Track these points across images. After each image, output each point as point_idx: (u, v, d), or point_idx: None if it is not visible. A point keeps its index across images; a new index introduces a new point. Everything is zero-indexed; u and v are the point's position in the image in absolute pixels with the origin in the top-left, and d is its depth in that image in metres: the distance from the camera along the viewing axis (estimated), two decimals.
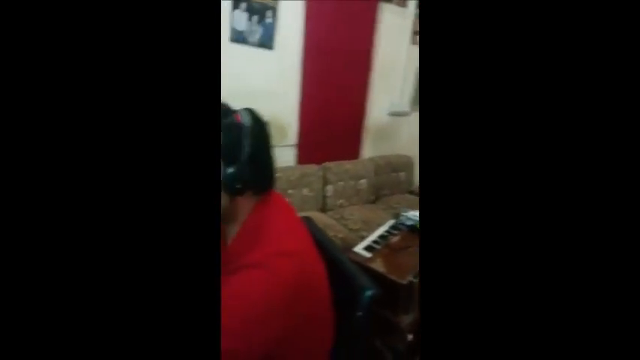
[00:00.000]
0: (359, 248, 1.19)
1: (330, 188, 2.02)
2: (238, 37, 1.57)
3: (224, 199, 0.55)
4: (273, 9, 1.64)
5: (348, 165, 2.12)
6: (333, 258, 0.73)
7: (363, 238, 1.31)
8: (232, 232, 0.60)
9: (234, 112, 0.55)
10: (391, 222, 1.45)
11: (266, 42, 1.67)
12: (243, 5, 1.54)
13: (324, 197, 2.01)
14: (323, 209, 2.01)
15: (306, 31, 1.80)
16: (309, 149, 2.02)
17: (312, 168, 1.94)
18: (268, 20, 1.64)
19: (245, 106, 0.57)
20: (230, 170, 0.53)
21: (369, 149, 2.40)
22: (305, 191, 1.90)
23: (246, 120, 0.54)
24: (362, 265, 1.06)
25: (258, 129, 0.55)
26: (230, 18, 1.52)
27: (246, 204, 0.58)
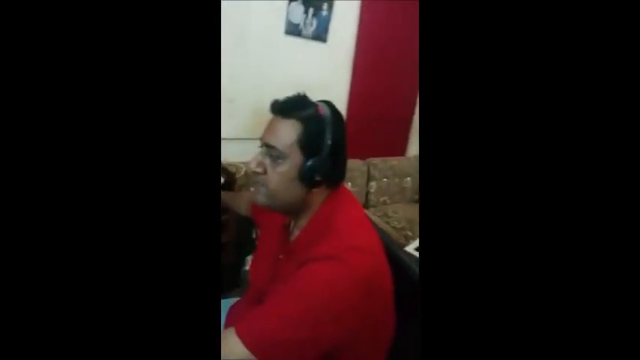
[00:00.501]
0: (410, 248, 1.17)
1: (373, 184, 1.99)
2: (293, 30, 1.58)
3: (299, 190, 0.55)
4: (330, 1, 1.63)
5: (393, 162, 2.08)
6: (394, 256, 0.71)
7: (407, 237, 1.28)
8: (301, 224, 0.61)
9: (316, 104, 0.55)
10: None
11: (320, 34, 1.66)
12: None
13: (367, 193, 1.99)
14: (366, 205, 1.99)
15: (360, 25, 1.77)
16: (355, 144, 1.98)
17: (356, 163, 1.92)
18: (324, 13, 1.63)
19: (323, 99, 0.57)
20: (310, 162, 0.53)
21: (415, 147, 2.34)
22: (348, 186, 1.89)
23: (327, 112, 0.54)
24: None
25: (338, 122, 0.55)
26: (286, 10, 1.53)
27: (319, 196, 0.58)
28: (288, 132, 0.53)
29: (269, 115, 0.57)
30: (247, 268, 1.27)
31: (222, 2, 1.32)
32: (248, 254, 1.31)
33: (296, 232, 0.62)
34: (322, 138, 0.53)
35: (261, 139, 0.57)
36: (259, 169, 0.56)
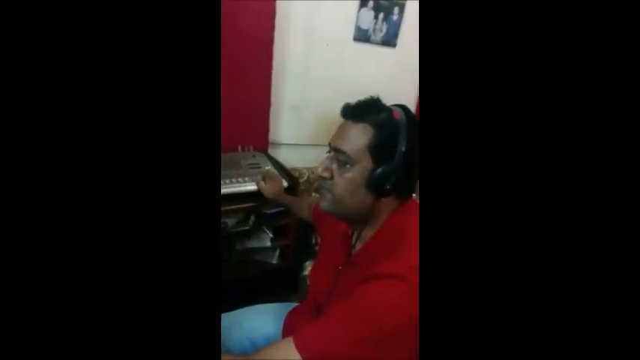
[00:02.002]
0: None
1: None
2: (362, 36, 1.56)
3: (367, 199, 0.52)
4: (401, 6, 1.58)
5: None
6: None
7: None
8: (366, 235, 0.58)
9: (390, 108, 0.52)
10: None
11: (390, 40, 1.62)
12: (371, 4, 1.52)
13: None
14: None
15: None
16: None
17: None
18: (394, 17, 1.59)
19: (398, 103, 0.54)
20: (381, 169, 0.50)
21: None
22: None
23: (402, 117, 0.50)
24: None
25: (414, 128, 0.51)
26: (356, 16, 1.52)
27: (387, 207, 0.55)
28: (359, 136, 0.51)
29: (334, 122, 0.56)
30: (306, 273, 1.27)
31: (293, 7, 1.37)
32: (307, 259, 1.31)
33: (359, 244, 0.59)
34: (395, 144, 0.49)
35: (329, 143, 0.55)
36: (326, 174, 0.54)
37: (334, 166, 0.53)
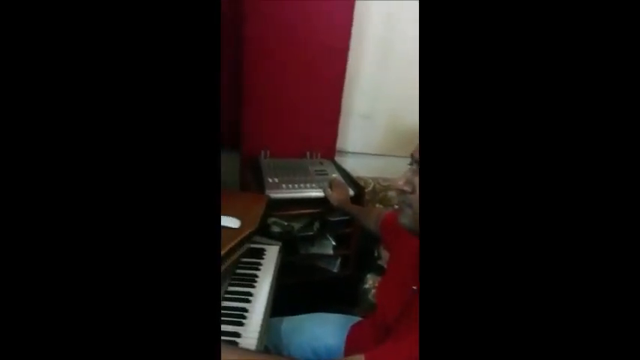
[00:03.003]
0: None
1: None
2: None
3: None
4: None
5: None
6: None
7: None
8: None
9: None
10: None
11: None
12: None
13: None
14: None
15: None
16: None
17: None
18: None
19: None
20: None
21: None
22: None
23: None
24: None
25: None
26: None
27: None
28: None
29: (405, 133, 0.53)
30: (367, 286, 1.24)
31: (372, 19, 1.36)
32: (369, 272, 1.28)
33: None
34: None
35: (412, 154, 0.52)
36: (407, 188, 0.51)
37: (416, 179, 0.50)
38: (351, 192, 1.13)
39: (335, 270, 1.27)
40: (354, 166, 1.46)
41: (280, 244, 0.97)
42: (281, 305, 0.84)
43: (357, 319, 0.82)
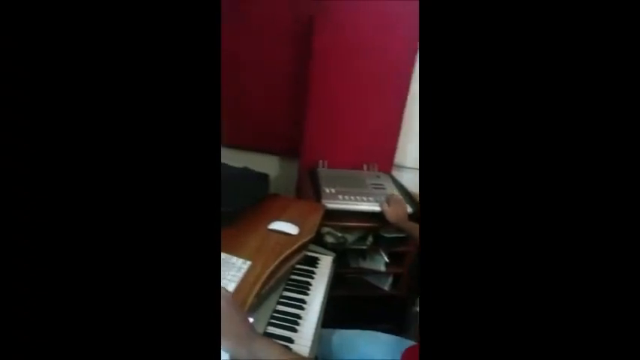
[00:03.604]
0: None
1: None
2: None
3: None
4: None
5: None
6: None
7: None
8: None
9: None
10: None
11: None
12: None
13: None
14: None
15: None
16: None
17: None
18: None
19: None
20: None
21: None
22: None
23: None
24: None
25: None
26: None
27: None
28: None
29: None
30: (418, 309, 1.17)
31: None
32: None
33: None
34: None
35: None
36: None
37: None
38: (410, 209, 1.10)
39: (386, 288, 1.23)
40: (410, 182, 1.41)
41: (334, 254, 0.96)
42: (329, 316, 0.83)
43: (410, 342, 0.78)
